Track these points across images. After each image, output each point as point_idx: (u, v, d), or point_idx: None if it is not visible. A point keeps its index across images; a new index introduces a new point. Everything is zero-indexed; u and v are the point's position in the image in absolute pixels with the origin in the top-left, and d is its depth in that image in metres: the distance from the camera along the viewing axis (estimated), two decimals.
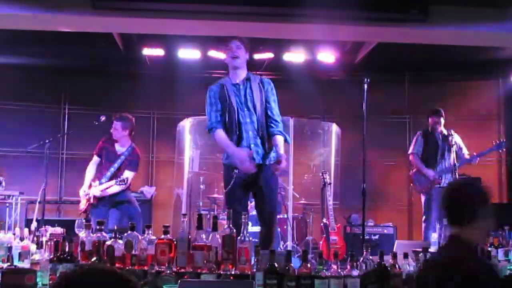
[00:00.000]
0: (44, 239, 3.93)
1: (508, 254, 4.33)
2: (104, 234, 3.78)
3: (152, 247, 3.65)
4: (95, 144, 6.79)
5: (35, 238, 4.09)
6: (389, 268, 3.47)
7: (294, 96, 9.23)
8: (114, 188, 6.31)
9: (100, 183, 6.34)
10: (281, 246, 7.10)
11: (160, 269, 3.47)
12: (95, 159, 6.61)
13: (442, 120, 7.28)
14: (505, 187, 9.44)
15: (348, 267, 3.47)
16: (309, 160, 8.63)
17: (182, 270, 3.56)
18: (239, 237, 3.60)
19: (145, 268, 3.54)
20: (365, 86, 5.59)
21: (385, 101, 9.41)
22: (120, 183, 6.20)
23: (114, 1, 6.66)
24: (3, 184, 8.16)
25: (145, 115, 9.68)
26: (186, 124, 8.38)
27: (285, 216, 7.62)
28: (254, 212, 5.55)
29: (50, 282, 3.31)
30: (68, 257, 3.51)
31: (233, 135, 4.60)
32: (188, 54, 8.94)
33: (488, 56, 8.83)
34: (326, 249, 7.13)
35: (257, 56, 8.78)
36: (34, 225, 5.66)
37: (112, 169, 6.39)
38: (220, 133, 4.63)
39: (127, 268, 3.58)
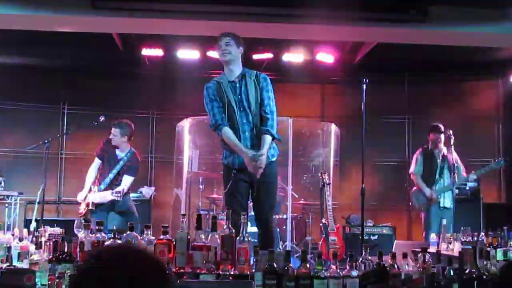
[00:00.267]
0: (43, 239, 3.92)
1: (507, 254, 4.33)
2: (103, 234, 3.77)
3: (151, 247, 3.64)
4: (94, 144, 6.77)
5: (34, 239, 4.09)
6: (388, 268, 3.47)
7: (293, 97, 9.24)
8: (110, 196, 6.27)
9: (99, 189, 6.30)
10: (280, 246, 7.10)
11: None
12: (97, 161, 6.51)
13: (442, 137, 7.14)
14: (504, 188, 9.44)
15: (347, 267, 3.47)
16: (308, 161, 8.63)
17: (181, 270, 3.55)
18: (238, 238, 3.59)
19: None
20: (364, 87, 5.59)
21: (385, 102, 9.41)
22: (116, 194, 6.15)
23: (114, 1, 6.67)
24: (2, 184, 8.17)
25: (144, 115, 9.68)
26: (185, 124, 8.38)
27: (284, 216, 7.62)
28: (253, 213, 5.55)
29: (49, 282, 3.31)
30: (67, 258, 3.50)
31: (235, 134, 4.60)
32: (187, 54, 8.95)
33: (487, 57, 8.84)
34: (325, 249, 7.13)
35: (256, 56, 8.79)
36: (33, 225, 5.66)
37: (111, 175, 6.35)
38: (228, 131, 4.57)
39: None
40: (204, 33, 7.62)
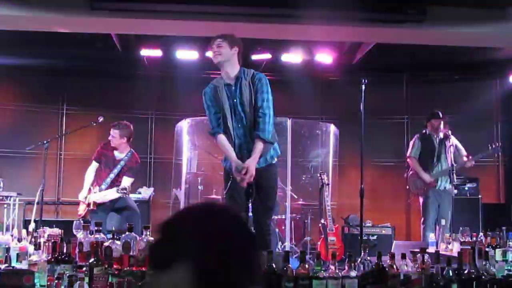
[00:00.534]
0: (42, 240, 3.93)
1: (506, 255, 4.33)
2: (102, 235, 3.77)
3: None
4: (93, 145, 6.78)
5: (33, 239, 4.09)
6: (387, 269, 3.47)
7: (292, 97, 9.24)
8: (114, 194, 6.28)
9: (100, 189, 6.31)
10: (279, 246, 7.10)
11: None
12: (94, 164, 6.53)
13: (442, 123, 7.27)
14: (502, 188, 9.45)
15: (346, 267, 3.48)
16: (307, 161, 8.63)
17: None
18: None
19: (143, 269, 3.53)
20: (363, 87, 5.59)
21: (383, 102, 9.41)
22: (122, 191, 6.17)
23: (112, 2, 6.66)
24: (1, 184, 8.15)
25: (143, 116, 9.68)
26: (184, 125, 8.38)
27: (283, 216, 7.62)
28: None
29: (48, 283, 3.31)
30: (66, 258, 3.51)
31: (229, 140, 4.58)
32: (186, 55, 8.94)
33: (486, 57, 8.84)
34: (324, 250, 7.13)
35: (255, 57, 8.79)
36: (32, 226, 5.65)
37: (112, 175, 6.36)
38: (221, 139, 4.57)
39: (125, 269, 3.58)
40: (203, 34, 7.61)
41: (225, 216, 1.44)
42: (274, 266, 3.35)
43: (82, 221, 4.14)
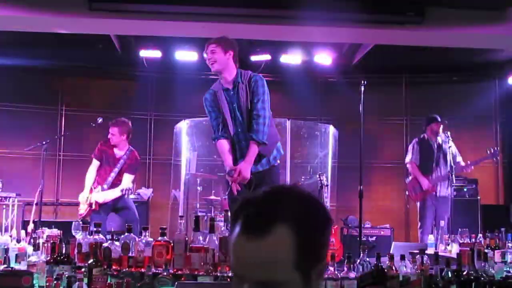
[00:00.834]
0: (41, 240, 3.92)
1: (505, 256, 4.34)
2: (101, 236, 3.77)
3: (149, 249, 3.65)
4: (92, 145, 6.76)
5: (31, 240, 4.09)
6: (386, 270, 3.47)
7: (291, 98, 9.24)
8: (116, 192, 6.28)
9: (102, 189, 6.30)
10: None
11: (157, 271, 3.47)
12: (95, 163, 6.51)
13: (441, 127, 7.26)
14: (501, 189, 9.46)
15: (345, 269, 3.48)
16: (306, 162, 8.63)
17: (179, 272, 3.56)
18: None
19: (142, 270, 3.53)
20: (362, 88, 5.59)
21: (382, 103, 9.41)
22: (126, 192, 6.19)
23: (111, 3, 6.66)
24: (0, 185, 8.15)
25: (142, 117, 9.67)
26: (183, 126, 8.38)
27: None
28: None
29: (47, 284, 3.30)
30: (65, 259, 3.51)
31: (231, 144, 4.58)
32: (185, 56, 8.93)
33: (485, 58, 8.85)
34: None
35: (254, 58, 8.78)
36: (31, 226, 5.66)
37: (113, 174, 6.35)
38: (220, 144, 4.57)
39: (124, 270, 3.58)
40: (202, 35, 7.58)
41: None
42: None
43: (81, 222, 4.13)
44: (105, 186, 6.31)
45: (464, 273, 3.53)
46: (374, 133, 8.49)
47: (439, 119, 7.27)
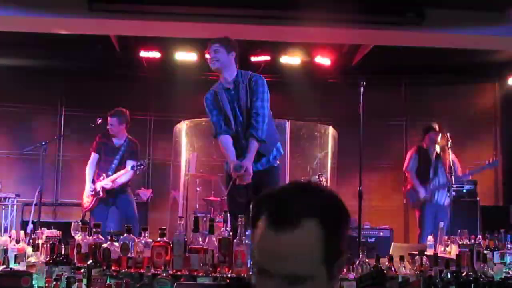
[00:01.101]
0: (40, 241, 3.92)
1: (504, 257, 4.33)
2: (100, 236, 3.77)
3: (148, 249, 3.64)
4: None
5: (31, 241, 4.08)
6: (385, 271, 3.47)
7: (290, 99, 9.24)
8: (125, 176, 6.35)
9: (108, 176, 6.38)
10: None
11: (156, 272, 3.47)
12: (94, 156, 6.62)
13: (439, 136, 7.24)
14: (501, 190, 9.45)
15: (344, 270, 3.47)
16: (305, 163, 8.62)
17: (178, 272, 3.55)
18: (235, 240, 3.59)
19: (141, 270, 3.53)
20: (361, 89, 5.59)
21: (382, 104, 9.40)
22: (138, 167, 6.27)
23: (111, 3, 6.67)
24: None
25: (141, 117, 9.67)
26: (183, 127, 8.38)
27: None
28: None
29: (46, 285, 3.30)
30: (64, 260, 3.50)
31: (232, 143, 4.59)
32: (185, 56, 8.94)
33: (485, 59, 8.85)
34: None
35: (254, 59, 8.79)
36: (30, 227, 5.65)
37: (116, 161, 6.45)
38: (222, 140, 4.57)
39: (123, 270, 3.58)
40: (201, 36, 7.59)
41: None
42: None
43: (80, 223, 4.13)
44: (109, 173, 6.38)
45: (463, 274, 3.53)
46: (373, 134, 8.46)
47: (437, 128, 7.26)
